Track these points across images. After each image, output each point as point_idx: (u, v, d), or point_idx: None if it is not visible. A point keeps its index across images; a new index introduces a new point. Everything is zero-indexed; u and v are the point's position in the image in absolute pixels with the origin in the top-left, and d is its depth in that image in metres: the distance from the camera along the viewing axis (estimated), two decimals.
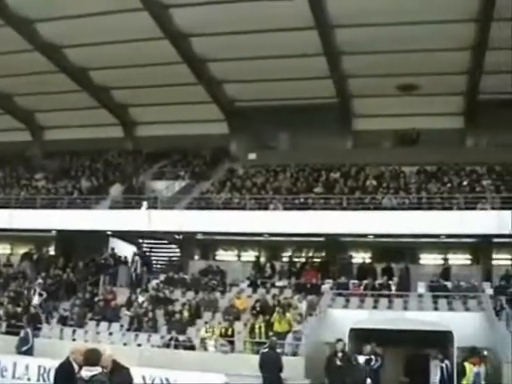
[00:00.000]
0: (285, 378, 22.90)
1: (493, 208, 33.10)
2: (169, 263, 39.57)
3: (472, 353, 21.22)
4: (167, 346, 27.72)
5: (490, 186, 36.46)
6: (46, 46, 38.00)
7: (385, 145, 43.40)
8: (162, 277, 35.35)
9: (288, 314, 28.07)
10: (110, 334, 29.61)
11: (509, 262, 35.52)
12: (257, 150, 44.08)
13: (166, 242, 39.63)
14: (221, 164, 44.10)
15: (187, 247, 38.83)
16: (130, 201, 37.08)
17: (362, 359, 22.89)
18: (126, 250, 38.29)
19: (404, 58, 36.53)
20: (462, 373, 20.98)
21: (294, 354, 26.11)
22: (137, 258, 36.57)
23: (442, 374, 22.98)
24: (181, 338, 27.92)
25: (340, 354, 22.06)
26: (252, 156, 43.96)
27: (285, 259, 37.90)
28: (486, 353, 23.34)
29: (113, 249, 38.65)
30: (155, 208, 36.20)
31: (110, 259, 37.15)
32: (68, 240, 39.44)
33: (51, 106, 45.15)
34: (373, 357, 23.35)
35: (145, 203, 35.94)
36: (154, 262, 39.90)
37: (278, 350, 24.54)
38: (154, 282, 34.54)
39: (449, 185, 37.02)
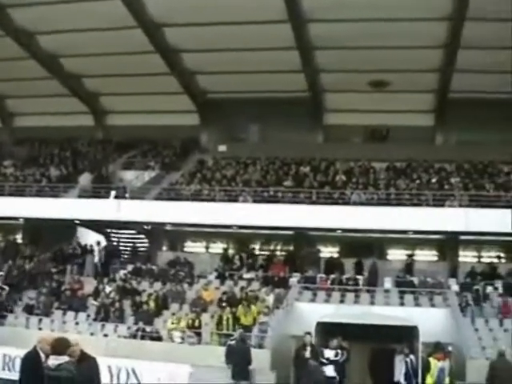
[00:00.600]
0: (251, 370, 22.97)
1: (461, 205, 33.41)
2: (137, 254, 39.39)
3: (437, 348, 21.40)
4: (134, 336, 27.72)
5: (459, 183, 36.77)
6: (18, 31, 37.63)
7: (355, 140, 43.56)
8: (130, 267, 35.28)
9: (253, 307, 28.12)
10: (77, 323, 29.54)
11: (475, 260, 35.92)
12: (227, 141, 44.07)
13: (134, 232, 39.44)
14: (191, 155, 43.98)
15: (155, 238, 38.76)
16: (99, 190, 36.84)
17: (328, 353, 23.00)
18: (93, 239, 38.05)
19: (376, 55, 36.66)
20: (426, 368, 21.17)
21: (260, 347, 26.17)
22: (104, 247, 36.45)
23: (406, 368, 23.17)
24: (148, 328, 27.93)
25: (308, 348, 22.19)
26: (222, 148, 43.94)
27: (253, 252, 37.88)
28: (450, 348, 23.49)
29: (80, 238, 38.45)
30: (124, 198, 36.07)
31: (78, 248, 36.99)
32: (35, 228, 39.22)
33: (21, 93, 44.70)
34: (339, 351, 23.46)
35: (113, 193, 35.79)
36: (122, 252, 39.71)
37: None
38: (121, 273, 34.47)
39: (417, 181, 37.27)
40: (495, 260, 35.71)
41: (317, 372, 20.56)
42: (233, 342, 24.39)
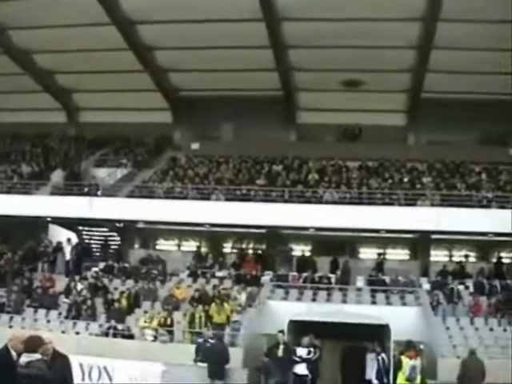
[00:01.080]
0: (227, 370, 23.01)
1: (432, 205, 33.71)
2: (109, 251, 39.23)
3: (408, 346, 21.45)
4: (106, 334, 27.56)
5: (430, 183, 37.04)
6: None
7: (328, 139, 43.71)
8: (102, 265, 35.11)
9: (227, 305, 28.12)
10: (48, 321, 29.33)
11: (446, 258, 36.18)
12: (200, 140, 44.01)
13: (106, 229, 39.30)
14: (163, 153, 43.90)
15: (128, 236, 38.64)
16: (72, 187, 36.67)
17: (300, 351, 23.06)
18: (65, 237, 37.82)
19: (350, 54, 36.81)
20: (398, 366, 21.25)
21: (233, 345, 26.15)
22: (76, 245, 36.27)
23: (378, 366, 23.30)
24: (119, 326, 27.79)
25: (281, 346, 22.25)
26: (195, 146, 43.89)
27: (226, 250, 37.88)
28: (422, 347, 23.67)
29: (51, 236, 38.22)
30: (96, 195, 35.93)
31: (49, 246, 36.75)
32: (6, 226, 38.87)
33: None
34: (311, 349, 23.52)
35: (86, 190, 35.63)
36: (94, 249, 39.54)
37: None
38: (93, 270, 34.30)
39: (390, 181, 37.53)
40: (466, 259, 35.96)
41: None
42: (201, 340, 24.47)
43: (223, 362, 22.92)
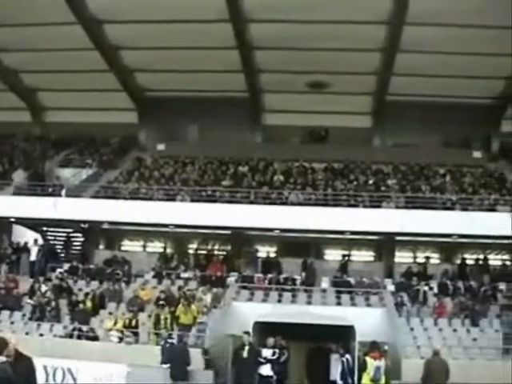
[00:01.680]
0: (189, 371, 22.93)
1: (397, 207, 33.99)
2: (73, 252, 38.97)
3: (373, 347, 21.54)
4: (70, 336, 27.31)
5: (395, 185, 37.31)
6: None
7: (293, 141, 43.91)
8: (66, 266, 34.86)
9: (193, 306, 28.06)
10: (12, 323, 29.01)
11: (410, 260, 36.43)
12: (166, 140, 44.04)
13: (71, 230, 39.03)
14: (129, 153, 43.84)
15: (92, 236, 38.40)
16: (36, 188, 36.37)
17: (266, 352, 23.09)
18: (30, 237, 37.53)
19: (316, 56, 36.96)
20: (362, 367, 21.33)
21: (198, 346, 26.08)
22: (40, 246, 35.98)
23: (342, 367, 23.41)
24: (84, 328, 27.59)
25: (247, 347, 22.26)
26: (161, 147, 43.92)
27: (191, 251, 37.83)
28: (386, 347, 23.76)
29: (15, 236, 37.92)
30: (61, 196, 35.69)
31: (13, 247, 36.45)
32: None
33: None
34: (276, 350, 23.55)
35: (50, 190, 35.38)
36: (59, 250, 39.24)
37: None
38: (57, 271, 34.05)
39: (355, 183, 37.80)
40: (430, 260, 36.26)
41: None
42: (163, 342, 24.41)
43: (184, 363, 22.82)
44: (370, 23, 34.56)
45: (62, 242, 39.82)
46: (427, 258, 35.94)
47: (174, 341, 24.25)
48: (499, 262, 35.94)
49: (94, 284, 32.52)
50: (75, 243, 39.68)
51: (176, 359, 22.44)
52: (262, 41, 36.75)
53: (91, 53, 38.09)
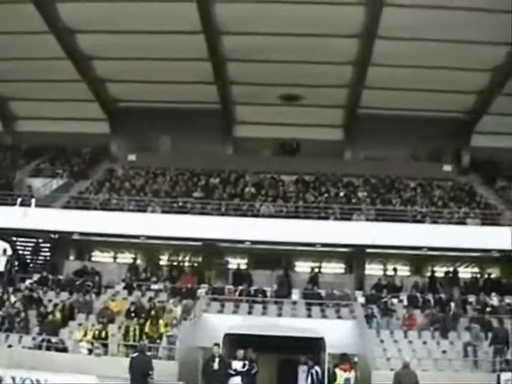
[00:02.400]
0: (158, 382, 22.74)
1: (367, 219, 34.17)
2: (43, 263, 38.65)
3: (343, 359, 21.56)
4: (39, 347, 27.07)
5: (366, 197, 37.50)
6: None
7: (265, 153, 44.05)
8: (36, 276, 34.57)
9: (161, 321, 27.87)
10: None
11: (380, 272, 36.54)
12: (137, 151, 43.95)
13: (41, 240, 38.72)
14: (100, 164, 43.67)
15: (62, 247, 38.02)
16: (6, 197, 36.06)
17: (236, 364, 23.04)
18: (0, 248, 37.16)
19: (288, 69, 37.17)
20: (332, 378, 21.32)
21: (169, 358, 25.98)
22: (9, 256, 35.67)
23: (312, 379, 23.45)
24: (53, 339, 27.36)
25: (217, 359, 22.20)
26: (132, 157, 43.79)
27: (161, 262, 37.68)
28: (356, 359, 23.89)
29: None
30: (31, 205, 35.40)
31: None
32: None
33: None
34: (246, 362, 23.50)
35: (19, 200, 35.11)
36: (28, 261, 38.90)
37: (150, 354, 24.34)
38: (27, 282, 33.77)
39: (326, 195, 37.97)
40: (401, 273, 36.42)
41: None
42: (135, 354, 24.17)
43: (142, 374, 22.48)
44: (342, 36, 34.84)
45: (31, 253, 39.48)
46: (395, 269, 36.10)
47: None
48: (469, 275, 36.18)
49: (64, 295, 32.23)
50: (45, 254, 39.35)
51: (135, 370, 22.17)
52: (235, 53, 36.89)
53: (63, 62, 37.99)
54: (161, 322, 27.69)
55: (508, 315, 29.72)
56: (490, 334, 27.67)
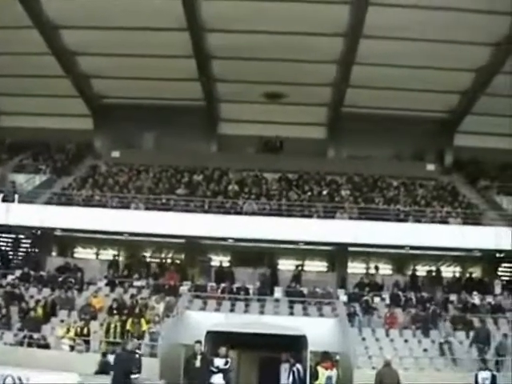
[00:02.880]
0: (139, 379, 22.67)
1: (350, 218, 34.24)
2: (25, 259, 38.48)
3: (324, 357, 21.66)
4: (21, 343, 27.00)
5: (349, 196, 37.58)
6: None
7: (249, 150, 44.03)
8: (18, 272, 34.42)
9: (143, 320, 27.82)
10: None
11: (363, 271, 36.64)
12: (121, 148, 43.88)
13: (23, 236, 38.59)
14: (83, 160, 43.53)
15: (45, 243, 37.85)
16: None
17: (218, 362, 23.02)
18: None
19: (272, 67, 37.21)
20: (314, 376, 21.41)
21: (150, 355, 25.95)
22: None
23: (293, 377, 23.44)
24: (35, 336, 27.28)
25: (199, 356, 22.19)
26: (115, 154, 43.70)
27: (144, 259, 37.60)
28: (338, 357, 23.93)
29: None
30: (13, 201, 35.26)
31: None
32: None
33: None
34: (229, 359, 23.50)
35: (2, 196, 34.96)
36: (10, 257, 38.77)
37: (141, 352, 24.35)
38: (9, 278, 33.64)
39: (309, 193, 37.98)
40: (383, 271, 36.56)
41: None
42: (119, 351, 24.12)
43: (123, 372, 22.40)
44: (327, 35, 34.94)
45: (13, 249, 39.35)
46: (376, 268, 36.25)
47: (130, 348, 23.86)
48: (450, 274, 36.38)
49: (46, 291, 32.11)
50: (27, 249, 39.22)
51: (116, 368, 22.12)
52: (219, 50, 36.91)
53: (47, 58, 37.88)
54: (143, 320, 27.67)
55: (489, 314, 29.98)
56: (471, 334, 27.91)
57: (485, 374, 21.74)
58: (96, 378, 23.22)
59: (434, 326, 29.08)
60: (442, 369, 25.94)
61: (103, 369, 23.78)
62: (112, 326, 27.29)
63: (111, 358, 23.17)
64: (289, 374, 24.11)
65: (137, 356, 22.89)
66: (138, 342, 24.49)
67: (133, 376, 22.05)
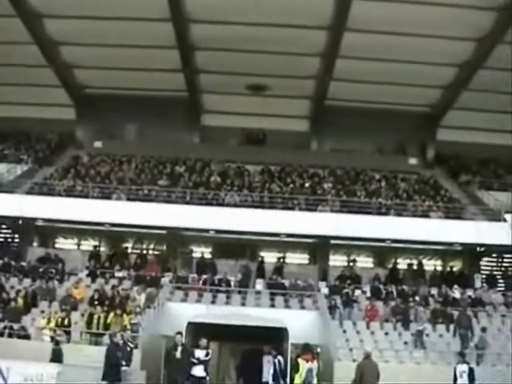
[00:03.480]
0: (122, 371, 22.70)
1: (332, 211, 34.34)
2: (6, 249, 38.28)
3: (305, 349, 21.73)
4: (1, 334, 26.84)
5: (331, 189, 37.67)
6: None
7: (231, 142, 44.01)
8: None
9: (125, 316, 27.75)
10: None
11: (344, 263, 36.74)
12: (103, 138, 43.77)
13: (4, 226, 38.40)
14: (65, 150, 43.36)
15: (26, 233, 37.63)
16: None
17: (198, 353, 23.02)
18: None
19: (256, 59, 37.21)
20: (295, 368, 21.47)
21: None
22: None
23: (274, 369, 23.49)
24: (15, 326, 27.17)
25: (179, 347, 22.21)
26: (98, 144, 43.60)
27: (126, 250, 37.52)
28: (318, 350, 24.06)
29: None
30: None
31: None
32: None
33: None
34: (210, 351, 23.51)
35: None
36: None
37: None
38: None
39: (291, 185, 38.04)
40: (364, 264, 36.70)
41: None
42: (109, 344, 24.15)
43: (110, 364, 22.41)
44: (311, 28, 34.94)
45: None
46: (353, 260, 36.41)
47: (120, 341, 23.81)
48: (431, 268, 36.55)
49: (27, 282, 31.94)
50: (8, 240, 39.02)
51: (106, 360, 22.16)
52: (203, 41, 36.81)
53: (30, 47, 37.62)
54: (125, 316, 27.57)
55: (469, 308, 30.16)
56: (451, 327, 28.14)
57: (463, 368, 21.87)
58: (75, 368, 23.16)
59: (414, 318, 29.20)
60: (422, 362, 26.09)
61: (56, 357, 23.82)
62: (95, 317, 27.22)
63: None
64: (272, 366, 24.16)
65: (128, 349, 23.09)
66: (127, 334, 24.52)
67: (123, 368, 22.21)
